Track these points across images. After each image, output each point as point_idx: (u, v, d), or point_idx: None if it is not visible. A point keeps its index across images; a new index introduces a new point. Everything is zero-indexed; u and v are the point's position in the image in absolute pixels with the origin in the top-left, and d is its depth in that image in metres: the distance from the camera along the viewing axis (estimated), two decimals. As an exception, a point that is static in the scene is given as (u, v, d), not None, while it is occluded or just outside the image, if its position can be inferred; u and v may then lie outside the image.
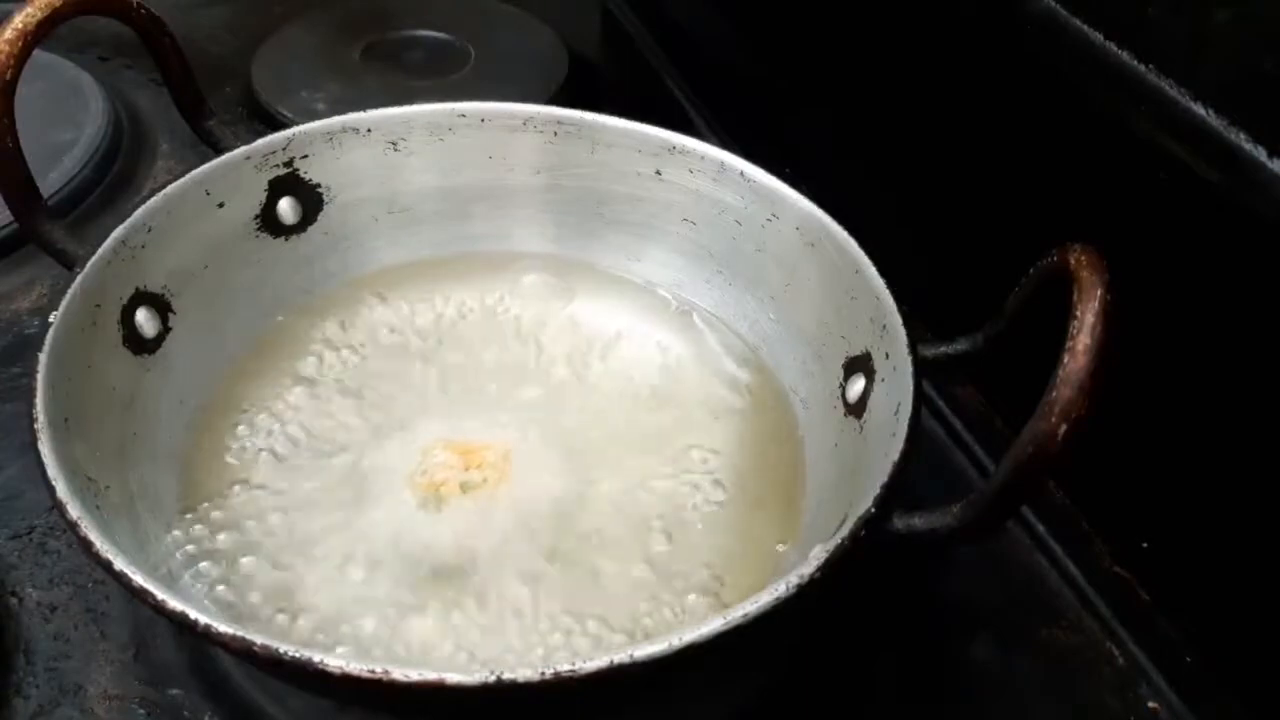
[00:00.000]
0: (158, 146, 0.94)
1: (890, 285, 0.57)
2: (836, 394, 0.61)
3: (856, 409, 0.59)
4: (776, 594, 0.43)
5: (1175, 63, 0.53)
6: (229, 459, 0.60)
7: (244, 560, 0.55)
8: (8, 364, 0.73)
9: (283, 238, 0.69)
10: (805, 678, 0.59)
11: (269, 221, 0.68)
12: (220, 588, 0.54)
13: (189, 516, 0.57)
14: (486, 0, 1.12)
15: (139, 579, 0.44)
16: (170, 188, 0.62)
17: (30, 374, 0.51)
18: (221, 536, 0.56)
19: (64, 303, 0.55)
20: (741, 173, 0.66)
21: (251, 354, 0.66)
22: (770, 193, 0.65)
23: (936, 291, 0.69)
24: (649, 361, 0.67)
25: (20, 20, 0.55)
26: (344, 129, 0.69)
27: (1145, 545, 0.63)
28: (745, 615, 0.43)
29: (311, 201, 0.69)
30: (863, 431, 0.57)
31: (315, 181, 0.69)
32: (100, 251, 0.58)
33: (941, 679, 0.61)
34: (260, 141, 0.66)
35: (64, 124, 0.90)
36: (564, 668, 0.41)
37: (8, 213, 0.59)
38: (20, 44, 0.55)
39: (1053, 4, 0.58)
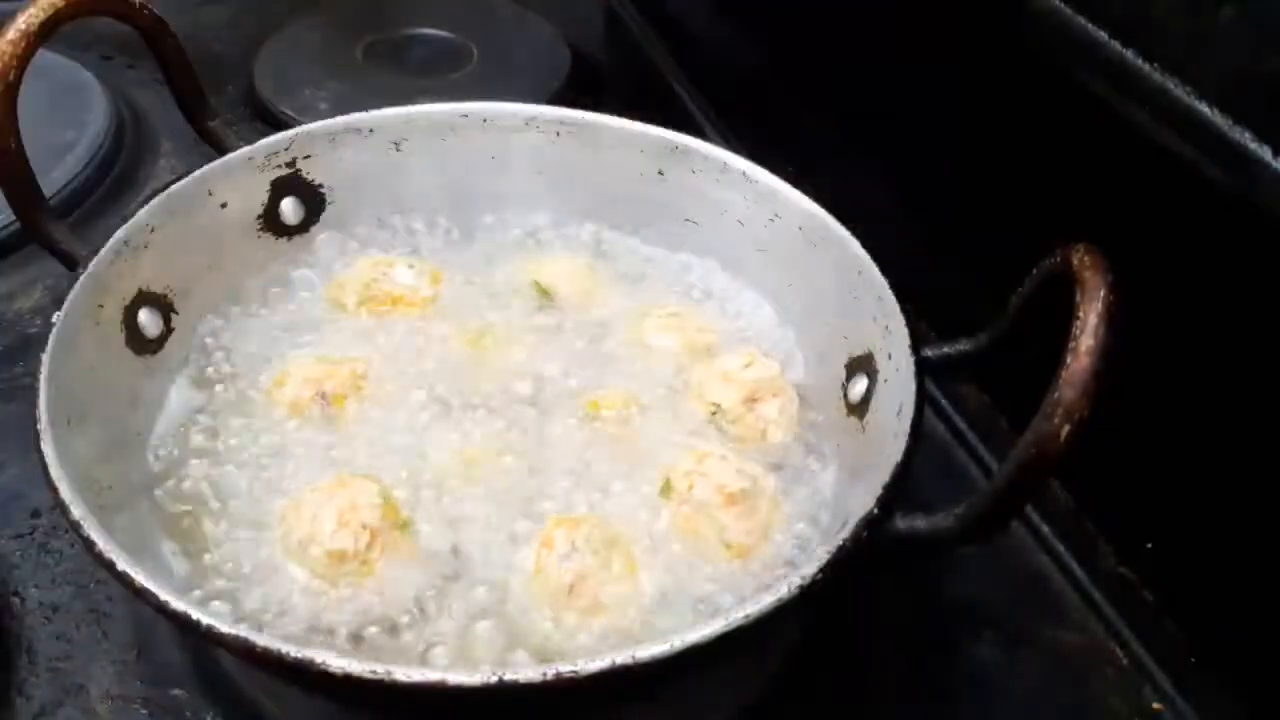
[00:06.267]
0: (160, 146, 0.94)
1: (893, 285, 0.57)
2: (839, 394, 0.61)
3: (859, 409, 0.58)
4: (779, 595, 0.43)
5: (1179, 61, 0.52)
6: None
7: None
8: (10, 364, 0.74)
9: (285, 238, 0.69)
10: (808, 677, 0.59)
11: (271, 221, 0.68)
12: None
13: (191, 514, 0.57)
14: (489, -1, 1.13)
15: (141, 579, 0.44)
16: (173, 188, 0.62)
17: (32, 374, 0.51)
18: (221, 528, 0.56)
19: (66, 303, 0.55)
20: (744, 173, 0.66)
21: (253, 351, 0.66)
22: (773, 193, 0.65)
23: (940, 291, 0.69)
24: (651, 361, 0.66)
25: (24, 21, 0.56)
26: (346, 129, 0.69)
27: (1149, 546, 0.63)
28: (746, 616, 0.43)
29: (314, 201, 0.69)
30: (865, 431, 0.57)
31: (317, 181, 0.69)
32: (103, 252, 0.58)
33: (945, 679, 0.61)
34: (263, 142, 0.66)
35: (66, 124, 0.90)
36: (565, 668, 0.41)
37: (10, 212, 0.59)
38: (24, 44, 0.55)
39: (1056, 2, 0.58)
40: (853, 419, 0.59)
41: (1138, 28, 0.54)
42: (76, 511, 0.46)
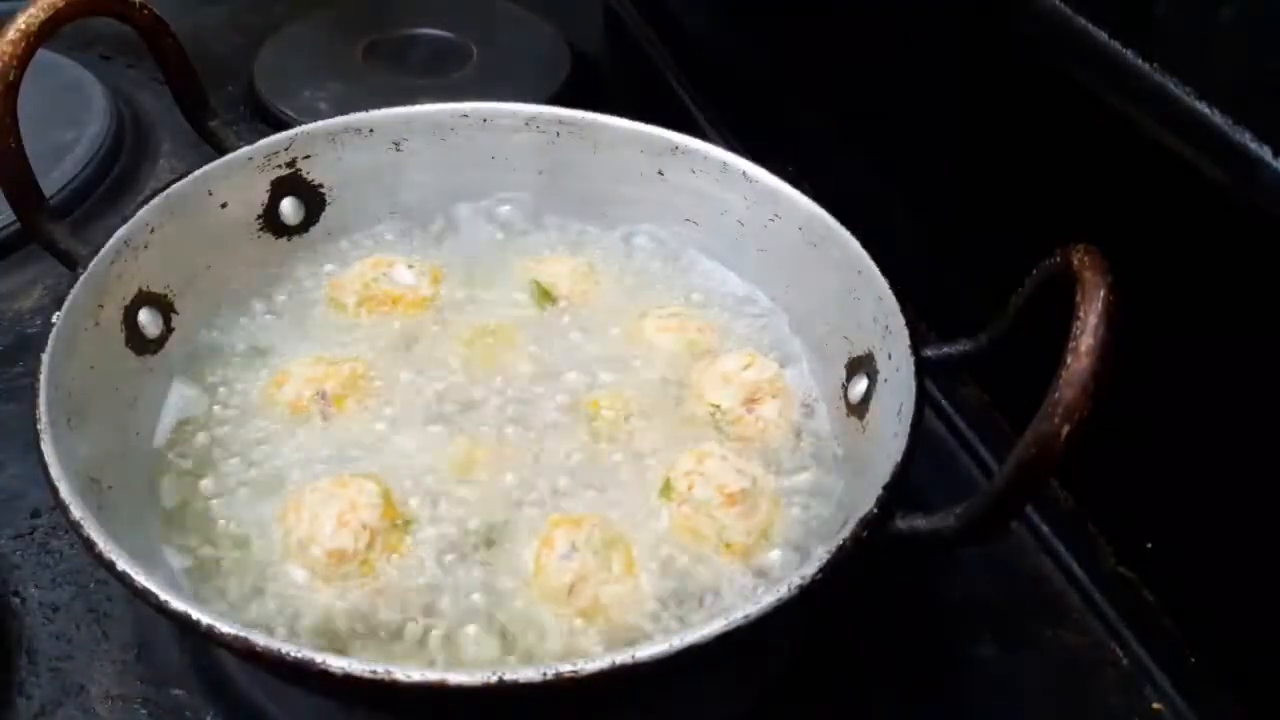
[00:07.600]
0: (160, 146, 0.94)
1: (893, 285, 0.57)
2: (839, 394, 0.61)
3: (859, 409, 0.58)
4: (778, 595, 0.43)
5: (1179, 61, 0.52)
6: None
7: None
8: (10, 364, 0.73)
9: (285, 238, 0.69)
10: (808, 677, 0.59)
11: (271, 222, 0.68)
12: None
13: (191, 513, 0.57)
14: (489, -2, 1.13)
15: (142, 580, 0.44)
16: (173, 188, 0.62)
17: (32, 374, 0.51)
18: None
19: (66, 303, 0.55)
20: (744, 173, 0.66)
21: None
22: (773, 193, 0.65)
23: (940, 291, 0.69)
24: (651, 361, 0.66)
25: (24, 21, 0.56)
26: (346, 129, 0.69)
27: (1150, 546, 0.63)
28: (746, 617, 0.43)
29: (314, 201, 0.69)
30: (865, 432, 0.57)
31: (317, 182, 0.69)
32: (103, 252, 0.58)
33: (945, 679, 0.61)
34: (263, 142, 0.66)
35: (66, 123, 0.90)
36: (565, 668, 0.41)
37: (10, 212, 0.59)
38: (24, 45, 0.55)
39: (1056, 2, 0.58)
40: (853, 419, 0.59)
41: (1138, 28, 0.54)
42: (76, 511, 0.46)
